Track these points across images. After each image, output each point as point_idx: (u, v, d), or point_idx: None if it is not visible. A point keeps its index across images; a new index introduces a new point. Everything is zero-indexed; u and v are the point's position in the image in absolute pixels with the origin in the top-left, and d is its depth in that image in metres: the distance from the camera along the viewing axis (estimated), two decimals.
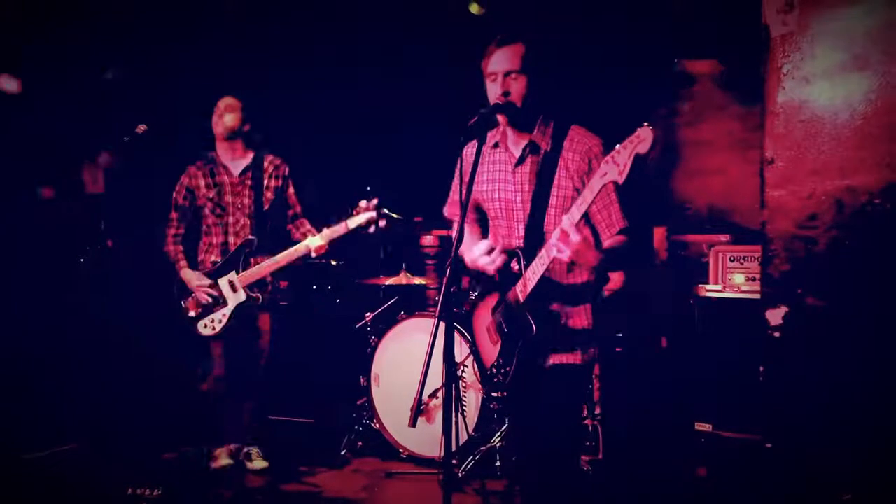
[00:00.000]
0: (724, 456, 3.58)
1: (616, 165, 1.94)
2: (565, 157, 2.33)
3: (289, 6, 4.82)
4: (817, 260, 2.29)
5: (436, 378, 2.18)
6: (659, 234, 4.38)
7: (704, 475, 3.63)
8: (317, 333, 5.03)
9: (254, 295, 3.85)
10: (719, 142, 4.56)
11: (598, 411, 3.91)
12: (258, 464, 3.98)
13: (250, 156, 3.99)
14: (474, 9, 4.49)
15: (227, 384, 3.99)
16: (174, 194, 4.02)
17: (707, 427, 3.67)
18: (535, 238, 2.36)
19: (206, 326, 3.87)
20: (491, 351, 2.48)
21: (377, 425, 4.20)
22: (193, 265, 3.98)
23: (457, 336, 3.55)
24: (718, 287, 3.78)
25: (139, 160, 4.23)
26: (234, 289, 3.84)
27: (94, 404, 4.37)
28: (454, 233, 2.29)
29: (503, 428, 3.85)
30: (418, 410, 2.16)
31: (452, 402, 2.13)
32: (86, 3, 4.54)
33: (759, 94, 2.41)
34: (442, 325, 2.09)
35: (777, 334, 2.36)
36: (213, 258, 3.94)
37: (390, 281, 4.47)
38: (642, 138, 1.89)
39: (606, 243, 2.33)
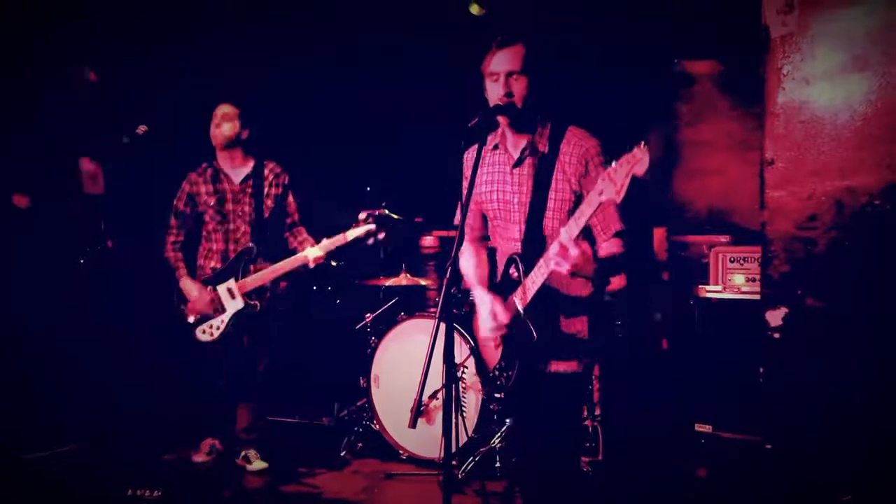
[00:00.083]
0: (724, 457, 3.58)
1: (613, 184, 1.93)
2: (562, 160, 2.33)
3: (289, 6, 4.82)
4: (817, 261, 2.29)
5: (436, 379, 2.18)
6: (659, 234, 4.38)
7: (704, 476, 3.63)
8: (316, 334, 5.03)
9: (252, 303, 3.87)
10: (719, 142, 4.55)
11: (598, 412, 3.91)
12: (257, 465, 3.98)
13: (250, 164, 4.00)
14: (474, 9, 4.49)
15: (223, 388, 4.01)
16: (175, 201, 4.04)
17: (707, 428, 3.67)
18: (533, 239, 2.36)
19: (204, 332, 3.89)
20: (492, 354, 2.49)
21: (377, 426, 4.20)
22: (192, 269, 4.00)
23: (457, 337, 3.55)
24: (718, 288, 3.78)
25: (139, 161, 4.23)
26: (232, 296, 3.87)
27: (94, 405, 4.37)
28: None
29: (503, 429, 3.85)
30: (418, 411, 2.16)
31: (452, 403, 2.13)
32: (86, 3, 4.54)
33: (759, 95, 2.41)
34: (442, 327, 2.09)
35: (777, 335, 2.36)
36: (212, 264, 3.96)
37: (390, 282, 4.47)
38: (639, 158, 1.88)
39: (603, 249, 2.33)
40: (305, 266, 3.83)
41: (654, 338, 4.26)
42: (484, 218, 2.61)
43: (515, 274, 2.34)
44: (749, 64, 2.68)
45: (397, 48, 4.88)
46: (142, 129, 3.91)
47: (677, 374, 3.93)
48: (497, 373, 2.45)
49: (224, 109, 3.92)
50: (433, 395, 3.92)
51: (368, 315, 4.48)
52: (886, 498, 2.18)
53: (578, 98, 3.45)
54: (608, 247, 2.33)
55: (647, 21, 4.42)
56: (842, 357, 2.26)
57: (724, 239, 3.95)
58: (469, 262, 2.63)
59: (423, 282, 4.52)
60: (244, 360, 3.98)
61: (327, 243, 3.83)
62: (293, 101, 5.25)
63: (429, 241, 4.99)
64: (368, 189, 4.74)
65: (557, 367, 2.38)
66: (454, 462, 3.74)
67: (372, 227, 3.83)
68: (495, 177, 2.47)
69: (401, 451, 4.12)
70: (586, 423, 3.85)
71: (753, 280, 3.66)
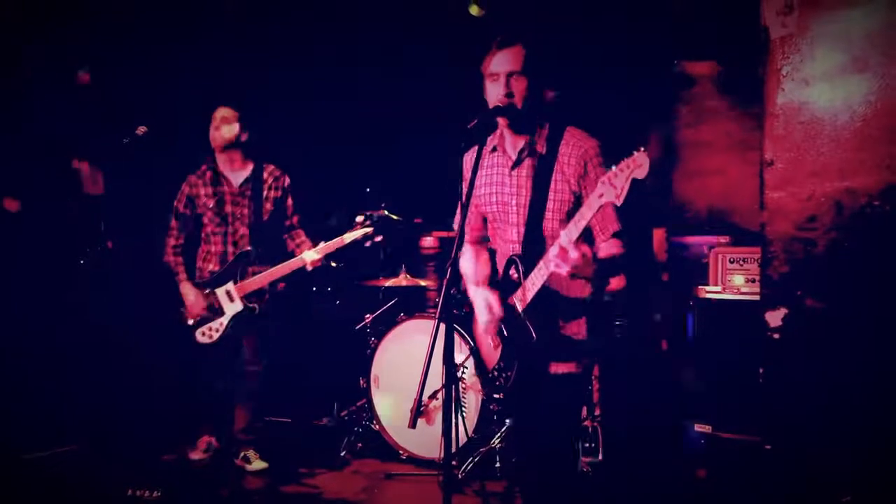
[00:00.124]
0: (723, 457, 3.58)
1: (613, 188, 1.95)
2: (561, 161, 2.33)
3: (289, 6, 4.82)
4: (816, 262, 2.30)
5: (436, 379, 2.18)
6: (658, 235, 4.38)
7: (704, 476, 3.63)
8: (316, 335, 5.03)
9: (251, 305, 3.90)
10: (718, 143, 4.55)
11: (597, 412, 3.91)
12: (257, 465, 3.98)
13: (250, 167, 4.02)
14: (474, 10, 4.49)
15: (223, 389, 4.03)
16: (175, 202, 4.05)
17: (707, 428, 3.67)
18: (532, 241, 2.36)
19: (203, 335, 3.91)
20: (492, 354, 2.49)
21: (377, 426, 4.20)
22: (192, 271, 4.02)
23: (457, 338, 3.55)
24: (718, 288, 3.78)
25: (139, 161, 4.23)
26: (231, 299, 3.89)
27: (94, 405, 4.37)
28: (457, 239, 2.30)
29: (503, 429, 3.85)
30: (418, 412, 2.16)
31: (452, 403, 2.13)
32: (86, 3, 4.54)
33: (759, 96, 2.41)
34: (442, 327, 2.09)
35: (776, 336, 2.36)
36: (211, 267, 3.98)
37: (390, 282, 4.47)
38: (639, 163, 1.90)
39: (602, 249, 2.33)
40: (303, 269, 3.86)
41: (653, 338, 4.26)
42: (484, 219, 2.62)
43: (515, 275, 2.34)
44: (749, 65, 2.68)
45: (397, 48, 4.88)
46: (141, 129, 3.92)
47: (677, 375, 3.92)
48: (496, 373, 2.45)
49: (223, 112, 3.94)
50: (433, 396, 3.92)
51: (368, 315, 4.48)
52: (886, 498, 2.18)
53: (578, 98, 3.46)
54: (607, 247, 2.34)
55: (646, 21, 4.42)
56: (841, 357, 2.26)
57: (723, 239, 3.94)
58: (469, 263, 2.63)
59: (422, 282, 4.52)
60: (243, 362, 3.99)
61: (324, 246, 3.87)
62: (293, 102, 5.25)
63: (428, 241, 4.99)
64: (368, 190, 4.74)
65: (557, 368, 2.38)
66: (454, 462, 3.74)
67: (369, 230, 3.90)
68: (494, 179, 2.47)
69: (401, 452, 4.12)
70: (586, 423, 3.86)
71: (753, 281, 3.66)
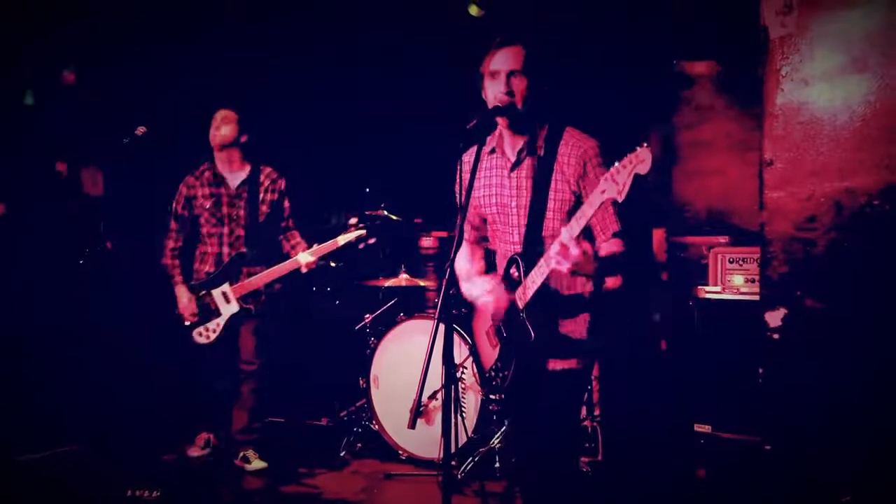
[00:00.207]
0: (723, 457, 3.58)
1: (615, 184, 1.95)
2: (560, 161, 2.33)
3: (289, 6, 4.82)
4: (816, 262, 2.30)
5: (435, 379, 2.18)
6: (658, 235, 4.38)
7: (704, 477, 3.63)
8: (316, 335, 5.03)
9: (247, 306, 3.94)
10: (718, 143, 4.55)
11: (597, 413, 3.91)
12: (256, 465, 3.98)
13: (247, 168, 4.04)
14: (473, 10, 4.49)
15: (222, 389, 4.04)
16: (173, 204, 4.08)
17: (706, 428, 3.67)
18: (533, 242, 2.36)
19: (200, 335, 3.95)
20: (490, 354, 2.49)
21: (376, 427, 4.20)
22: (189, 271, 4.05)
23: (456, 338, 3.55)
24: (718, 289, 3.78)
25: (139, 162, 4.24)
26: (227, 300, 3.93)
27: (94, 405, 4.37)
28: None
29: (502, 429, 3.85)
30: (418, 412, 2.16)
31: (452, 403, 2.13)
32: (86, 3, 4.54)
33: (758, 96, 2.41)
34: (441, 327, 2.09)
35: (776, 336, 2.36)
36: (207, 268, 4.01)
37: (390, 282, 4.47)
38: (642, 159, 1.90)
39: (602, 249, 2.33)
40: (297, 271, 3.90)
41: (653, 338, 4.26)
42: (483, 220, 2.61)
43: (516, 274, 2.34)
44: (749, 65, 2.68)
45: (397, 48, 4.88)
46: (141, 129, 3.92)
47: (677, 375, 3.92)
48: (493, 373, 2.45)
49: (224, 113, 3.97)
50: (432, 396, 3.92)
51: (368, 316, 4.48)
52: (886, 498, 2.18)
53: (578, 98, 3.45)
54: (608, 247, 2.33)
55: (646, 21, 4.42)
56: (841, 357, 2.26)
57: (723, 240, 3.95)
58: (464, 261, 2.64)
59: (422, 283, 4.52)
60: (240, 362, 4.01)
61: (318, 249, 3.90)
62: (293, 102, 5.25)
63: (428, 242, 4.99)
64: (368, 190, 4.74)
65: (555, 364, 2.38)
66: (453, 462, 3.74)
67: (362, 232, 3.93)
68: (493, 181, 2.47)
69: (400, 452, 4.12)
70: (586, 423, 3.86)
71: (753, 281, 3.66)
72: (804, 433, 2.33)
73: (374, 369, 4.24)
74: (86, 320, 4.43)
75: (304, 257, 3.87)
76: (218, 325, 3.93)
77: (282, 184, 4.06)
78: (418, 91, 4.93)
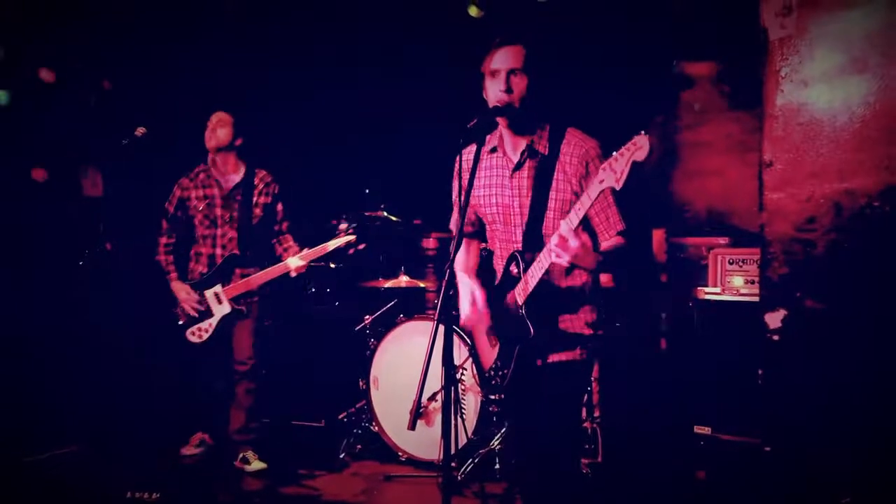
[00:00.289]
0: (723, 459, 3.58)
1: (613, 172, 1.95)
2: (563, 161, 2.33)
3: (289, 6, 4.82)
4: (816, 263, 2.29)
5: (435, 381, 2.18)
6: (658, 236, 4.38)
7: (704, 478, 3.62)
8: (315, 336, 5.02)
9: (238, 307, 3.98)
10: (718, 144, 4.55)
11: (597, 414, 3.91)
12: (256, 465, 3.98)
13: (242, 170, 4.07)
14: (473, 11, 4.49)
15: (221, 389, 4.07)
16: (166, 204, 4.12)
17: (706, 430, 3.66)
18: (533, 242, 2.35)
19: (193, 334, 3.98)
20: (489, 353, 2.48)
21: (376, 428, 4.20)
22: (184, 271, 4.08)
23: (456, 339, 3.54)
24: (717, 290, 3.77)
25: (138, 162, 4.24)
26: (219, 301, 3.97)
27: (94, 405, 4.37)
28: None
29: (502, 430, 3.85)
30: (417, 413, 2.15)
31: (451, 404, 2.12)
32: (86, 3, 4.54)
33: (758, 97, 2.41)
34: (441, 328, 2.09)
35: (776, 337, 2.36)
36: (200, 269, 4.05)
37: (389, 283, 4.47)
38: (639, 146, 1.90)
39: (604, 245, 2.33)
40: (287, 275, 3.94)
41: (653, 339, 4.25)
42: (479, 218, 2.61)
43: (516, 270, 2.33)
44: (749, 65, 2.68)
45: (397, 48, 4.88)
46: (140, 130, 3.93)
47: (676, 376, 3.92)
48: (492, 372, 2.44)
49: (220, 115, 4.01)
50: (432, 397, 3.92)
51: (367, 317, 4.48)
52: (886, 498, 2.17)
53: (578, 98, 3.45)
54: (609, 246, 2.33)
55: (646, 21, 4.42)
56: (841, 358, 2.25)
57: (723, 241, 3.95)
58: (460, 253, 2.63)
59: (422, 284, 4.52)
60: (233, 362, 4.03)
61: (308, 253, 3.95)
62: (293, 102, 5.25)
63: (428, 243, 4.98)
64: (367, 191, 4.74)
65: (556, 357, 2.37)
66: (453, 464, 3.73)
67: (352, 238, 4.00)
68: (493, 181, 2.47)
69: (400, 453, 4.11)
70: (585, 424, 3.85)
71: (752, 282, 3.66)
72: (804, 434, 2.32)
73: (374, 370, 4.23)
74: (86, 321, 4.43)
75: (294, 262, 3.92)
76: (210, 325, 3.96)
77: (276, 188, 4.10)
78: (418, 91, 4.93)
